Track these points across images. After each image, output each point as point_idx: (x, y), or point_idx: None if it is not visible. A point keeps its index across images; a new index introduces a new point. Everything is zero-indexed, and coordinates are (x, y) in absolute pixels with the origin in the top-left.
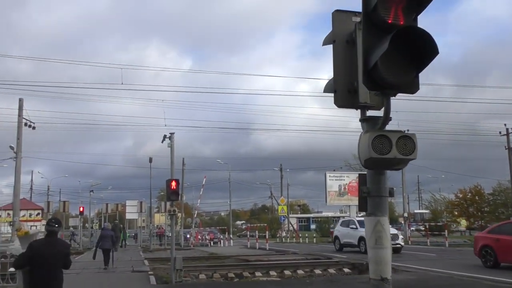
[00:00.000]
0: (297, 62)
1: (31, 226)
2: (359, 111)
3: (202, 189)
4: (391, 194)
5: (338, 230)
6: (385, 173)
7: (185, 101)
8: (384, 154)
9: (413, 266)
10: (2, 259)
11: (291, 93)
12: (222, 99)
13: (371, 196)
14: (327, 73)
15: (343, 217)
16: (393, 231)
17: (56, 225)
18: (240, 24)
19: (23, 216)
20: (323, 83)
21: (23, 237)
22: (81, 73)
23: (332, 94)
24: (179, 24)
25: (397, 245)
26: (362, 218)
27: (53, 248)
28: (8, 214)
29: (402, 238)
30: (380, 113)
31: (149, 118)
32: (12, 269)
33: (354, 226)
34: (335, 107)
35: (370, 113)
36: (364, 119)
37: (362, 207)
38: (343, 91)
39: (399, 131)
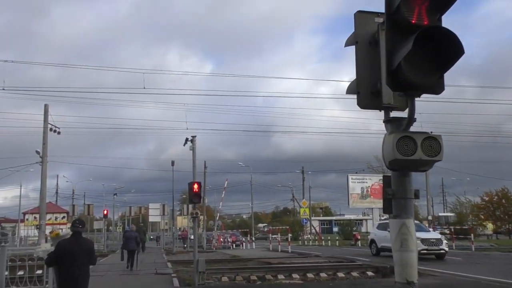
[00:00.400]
0: (317, 65)
1: (62, 229)
2: (382, 112)
3: (224, 192)
4: (417, 196)
5: (375, 233)
6: (410, 175)
7: (207, 105)
8: (409, 155)
9: (438, 270)
10: (29, 262)
11: (311, 96)
12: (243, 102)
13: (396, 198)
14: (348, 75)
15: (380, 219)
16: (436, 235)
17: (80, 226)
18: (260, 27)
19: (49, 219)
20: (344, 85)
21: (55, 238)
22: (104, 79)
23: (355, 96)
24: (199, 29)
25: (441, 251)
26: None
27: (79, 246)
28: (35, 217)
29: (446, 244)
30: (404, 114)
31: (171, 121)
32: (39, 272)
33: None
34: (357, 109)
35: (393, 114)
36: (388, 120)
37: (386, 209)
38: (366, 92)
39: (424, 132)
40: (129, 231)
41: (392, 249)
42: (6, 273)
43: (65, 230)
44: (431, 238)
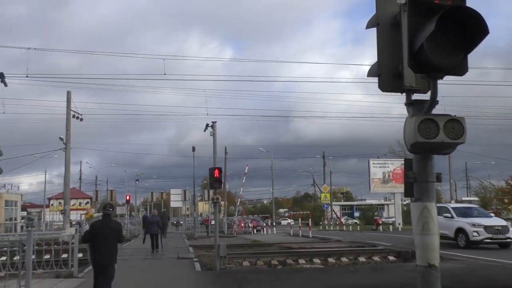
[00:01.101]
0: (338, 49)
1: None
2: (403, 95)
3: (244, 177)
4: (439, 179)
5: None
6: (432, 158)
7: (226, 90)
8: (431, 138)
9: (460, 254)
10: (55, 246)
11: (332, 80)
12: (262, 88)
13: (417, 182)
14: (369, 59)
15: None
16: (501, 222)
17: (111, 209)
18: (279, 12)
19: (73, 205)
20: (365, 69)
21: (89, 219)
22: (124, 66)
23: (376, 79)
24: (218, 15)
25: (508, 240)
26: (459, 205)
27: (108, 226)
28: (60, 203)
29: None
30: (426, 96)
31: (191, 107)
32: (64, 255)
33: (448, 215)
34: (378, 93)
35: (415, 96)
36: (409, 103)
37: (408, 192)
38: (387, 75)
39: (447, 114)
40: (152, 216)
41: (414, 233)
42: (33, 256)
43: (98, 213)
44: (495, 225)
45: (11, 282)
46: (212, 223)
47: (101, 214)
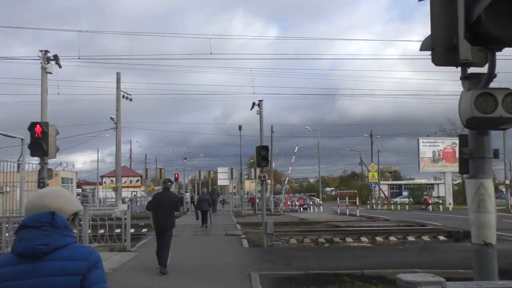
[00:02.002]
0: (384, 26)
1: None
2: (455, 72)
3: (293, 157)
4: (496, 155)
5: None
6: (489, 134)
7: (272, 69)
8: (489, 113)
9: None
10: (109, 221)
11: (379, 57)
12: (308, 66)
13: (473, 158)
14: (418, 35)
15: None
16: None
17: (169, 183)
18: None
19: (124, 182)
20: (413, 46)
21: (151, 191)
22: (172, 47)
23: (426, 54)
24: None
25: None
26: None
27: (167, 197)
28: (112, 180)
29: None
30: (483, 70)
31: (237, 87)
32: (117, 230)
33: None
34: (426, 70)
35: (471, 70)
36: (465, 77)
37: (463, 169)
38: (441, 48)
39: (506, 88)
40: (202, 194)
41: (469, 210)
42: (89, 231)
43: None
44: None
45: None
46: (257, 201)
47: (160, 188)
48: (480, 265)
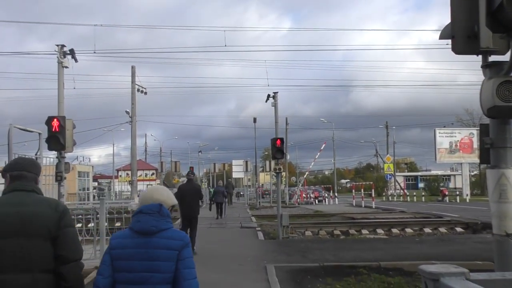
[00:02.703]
0: (399, 16)
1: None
2: (470, 61)
3: (318, 154)
4: None
5: None
6: (511, 123)
7: (287, 61)
8: (511, 101)
9: None
10: (125, 214)
11: (393, 47)
12: (322, 57)
13: (494, 147)
14: (433, 25)
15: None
16: None
17: (192, 175)
18: None
19: (140, 176)
20: (428, 36)
21: (176, 183)
22: (186, 40)
23: (441, 45)
24: None
25: None
26: None
27: (191, 187)
28: (127, 174)
29: None
30: (504, 58)
31: (251, 79)
32: None
33: None
34: (442, 60)
35: (492, 58)
36: (486, 65)
37: (484, 159)
38: (462, 36)
39: None
40: (217, 187)
41: (490, 201)
42: (106, 223)
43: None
44: None
45: (87, 247)
46: (264, 193)
47: (185, 179)
48: (501, 256)
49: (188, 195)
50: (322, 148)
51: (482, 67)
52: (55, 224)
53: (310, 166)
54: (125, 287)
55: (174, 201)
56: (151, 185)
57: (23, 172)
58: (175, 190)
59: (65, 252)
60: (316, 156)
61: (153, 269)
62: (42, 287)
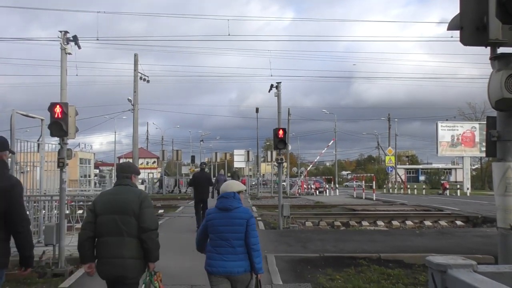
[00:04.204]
0: (402, 9)
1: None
2: (472, 55)
3: (325, 149)
4: None
5: None
6: None
7: (290, 51)
8: None
9: None
10: None
11: (395, 40)
12: (325, 48)
13: (501, 140)
14: (436, 17)
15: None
16: None
17: (205, 165)
18: None
19: (141, 164)
20: (430, 29)
21: (192, 172)
22: (189, 29)
23: (444, 37)
24: None
25: None
26: None
27: (203, 175)
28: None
29: None
30: None
31: (254, 69)
32: None
33: None
34: (444, 52)
35: (501, 50)
36: (495, 57)
37: (490, 152)
38: (470, 28)
39: None
40: (220, 175)
41: (495, 194)
42: None
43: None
44: None
45: None
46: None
47: (199, 168)
48: (506, 249)
49: (200, 182)
50: (330, 144)
51: (490, 59)
52: (138, 206)
53: (316, 160)
54: (216, 242)
55: (240, 188)
56: (152, 173)
57: (121, 173)
58: (176, 177)
59: (144, 224)
60: (323, 151)
61: (232, 230)
62: (129, 247)
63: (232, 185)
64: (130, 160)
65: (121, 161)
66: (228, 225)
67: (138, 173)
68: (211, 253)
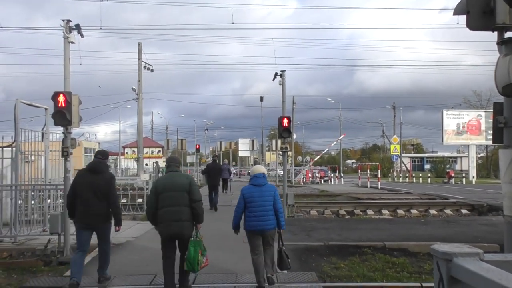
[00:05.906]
0: None
1: (154, 162)
2: (475, 42)
3: (335, 142)
4: None
5: None
6: None
7: (293, 39)
8: None
9: None
10: (131, 191)
11: (398, 27)
12: (329, 36)
13: (508, 127)
14: (439, 4)
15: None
16: None
17: (216, 157)
18: None
19: (146, 153)
20: (433, 16)
21: (204, 163)
22: (193, 18)
23: (448, 24)
24: None
25: None
26: None
27: (216, 166)
28: (133, 151)
29: None
30: None
31: (259, 57)
32: (139, 200)
33: None
34: (448, 40)
35: (508, 34)
36: (502, 41)
37: (497, 138)
38: (477, 12)
39: None
40: (223, 164)
41: (501, 181)
42: None
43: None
44: None
45: None
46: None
47: (211, 160)
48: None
49: (212, 171)
50: (340, 138)
51: (497, 43)
52: (187, 185)
53: (323, 152)
54: (253, 209)
55: (265, 171)
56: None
57: (172, 163)
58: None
59: (194, 197)
60: (332, 144)
61: (264, 199)
62: (185, 213)
63: (260, 169)
64: (135, 150)
65: (126, 150)
66: (262, 196)
67: (181, 164)
68: (250, 217)
